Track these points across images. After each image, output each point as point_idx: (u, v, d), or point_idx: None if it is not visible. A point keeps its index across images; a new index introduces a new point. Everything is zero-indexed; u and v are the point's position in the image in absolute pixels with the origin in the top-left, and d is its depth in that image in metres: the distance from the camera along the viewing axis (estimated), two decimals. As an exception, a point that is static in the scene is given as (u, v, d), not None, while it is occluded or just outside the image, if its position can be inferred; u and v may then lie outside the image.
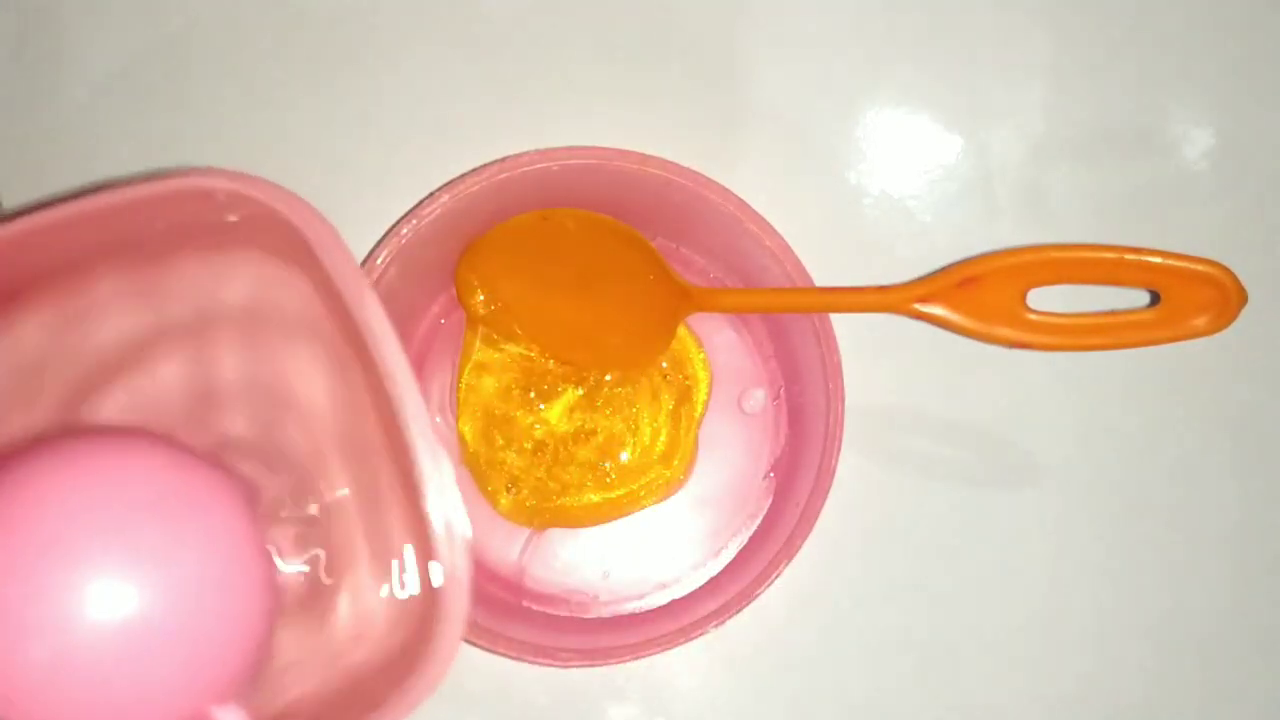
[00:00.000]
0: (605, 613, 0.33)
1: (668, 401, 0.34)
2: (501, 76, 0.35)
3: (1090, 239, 0.35)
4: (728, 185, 0.31)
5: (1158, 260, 0.28)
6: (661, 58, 0.35)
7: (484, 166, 0.30)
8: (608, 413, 0.33)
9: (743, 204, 0.31)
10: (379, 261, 0.30)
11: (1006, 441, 0.35)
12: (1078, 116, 0.35)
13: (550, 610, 0.33)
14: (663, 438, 0.34)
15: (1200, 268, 0.28)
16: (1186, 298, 0.29)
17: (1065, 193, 0.35)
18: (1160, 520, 0.35)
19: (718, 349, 0.34)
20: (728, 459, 0.34)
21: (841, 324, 0.31)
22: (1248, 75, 0.36)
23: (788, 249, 0.31)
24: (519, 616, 0.33)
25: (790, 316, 0.32)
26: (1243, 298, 0.28)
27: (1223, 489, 0.35)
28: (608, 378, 0.33)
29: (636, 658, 0.30)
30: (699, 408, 0.34)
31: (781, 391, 0.34)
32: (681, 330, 0.34)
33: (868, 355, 0.34)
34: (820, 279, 0.31)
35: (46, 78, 0.35)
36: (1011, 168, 0.35)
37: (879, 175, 0.35)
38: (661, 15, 0.36)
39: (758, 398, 0.34)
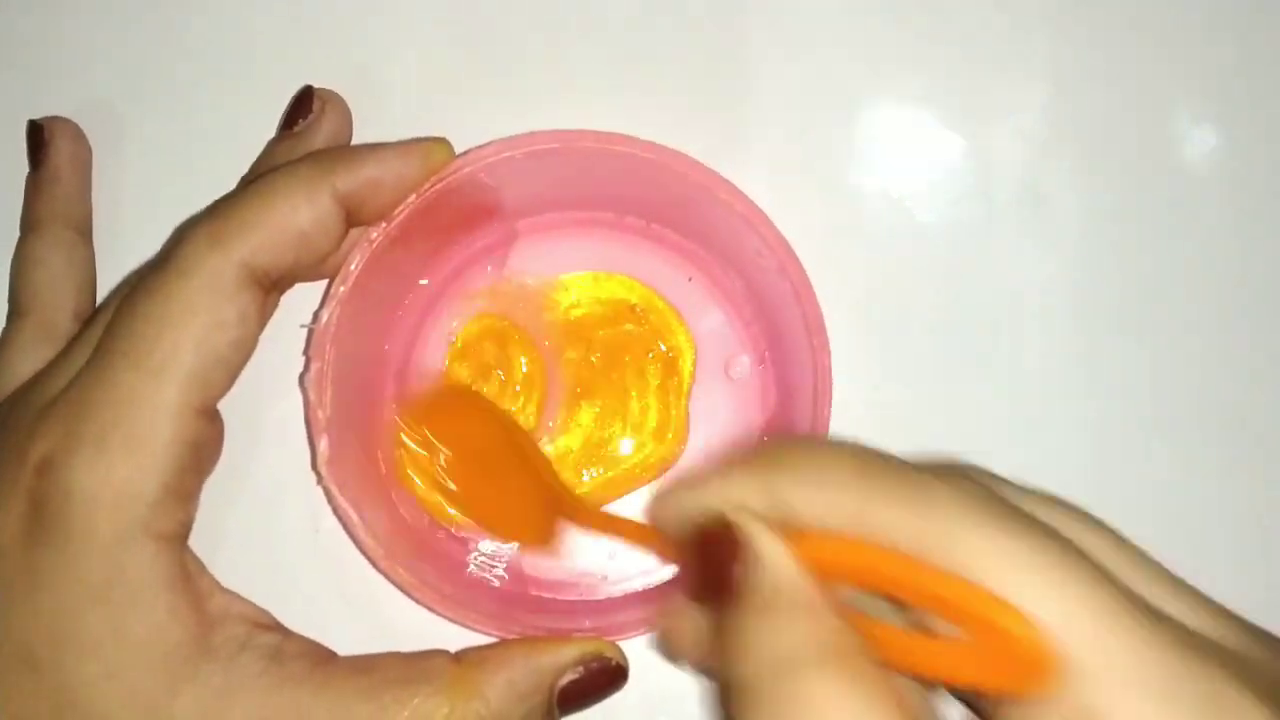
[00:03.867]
0: (615, 591, 0.33)
1: (654, 377, 0.34)
2: (498, 76, 0.36)
3: (1090, 239, 0.35)
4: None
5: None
6: (660, 58, 0.36)
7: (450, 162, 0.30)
8: (594, 402, 0.34)
9: (711, 173, 0.31)
10: (352, 267, 0.30)
11: (1007, 442, 0.35)
12: (1078, 116, 0.36)
13: (561, 596, 0.33)
14: (652, 414, 0.33)
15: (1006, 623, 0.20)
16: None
17: (1065, 193, 0.36)
18: (1159, 520, 0.35)
19: (699, 319, 0.34)
20: (720, 428, 0.34)
21: (841, 324, 0.31)
22: (1248, 75, 0.36)
23: (759, 213, 0.31)
24: (529, 605, 0.32)
25: (765, 281, 0.32)
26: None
27: (1223, 489, 0.35)
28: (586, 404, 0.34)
29: (652, 630, 0.30)
30: (686, 379, 0.34)
31: (766, 354, 0.34)
32: (660, 304, 0.34)
33: (869, 355, 0.34)
34: (820, 279, 0.31)
35: (47, 77, 0.36)
36: (1011, 168, 0.35)
37: (879, 175, 0.36)
38: (660, 16, 0.36)
39: (743, 364, 0.34)
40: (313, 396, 0.30)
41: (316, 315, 0.30)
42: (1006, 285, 0.35)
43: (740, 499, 0.22)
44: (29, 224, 0.33)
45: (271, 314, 0.31)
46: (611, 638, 0.30)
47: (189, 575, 0.28)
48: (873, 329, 0.34)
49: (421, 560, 0.31)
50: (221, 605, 0.29)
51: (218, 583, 0.29)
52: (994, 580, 0.19)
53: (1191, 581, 0.35)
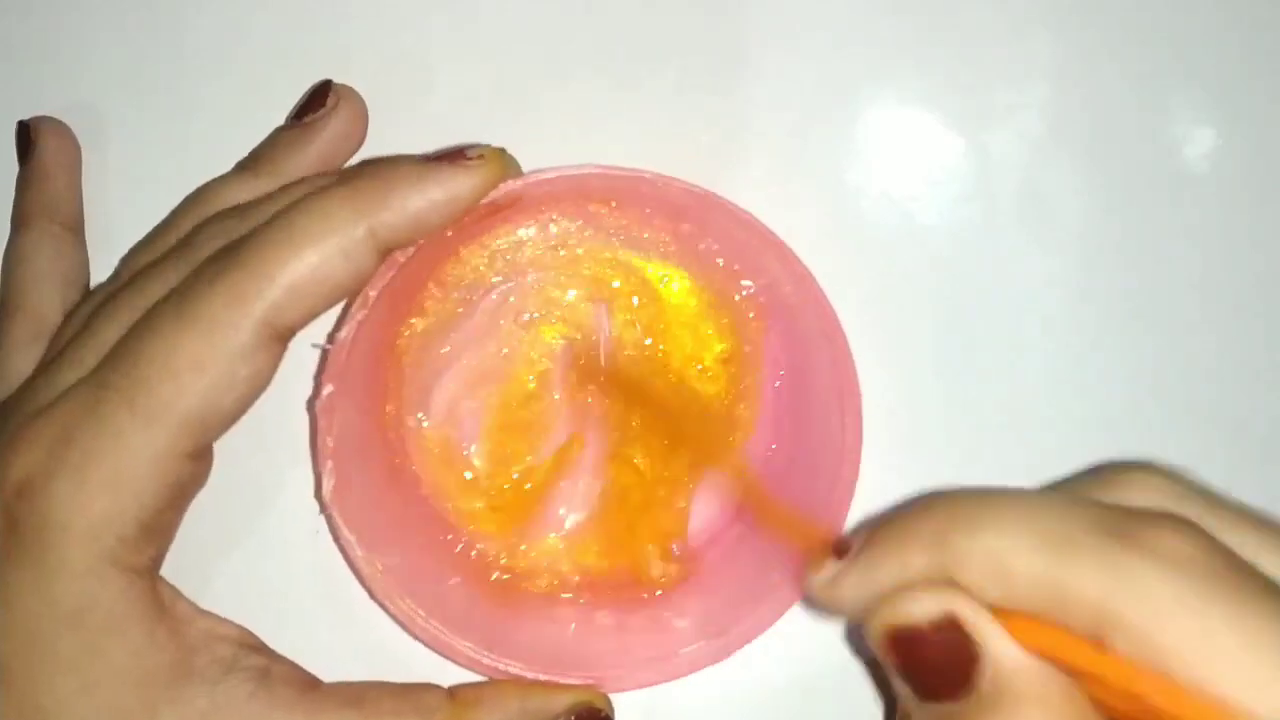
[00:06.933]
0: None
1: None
2: (493, 78, 0.35)
3: (1090, 239, 0.35)
4: (727, 186, 0.31)
5: None
6: (659, 58, 0.35)
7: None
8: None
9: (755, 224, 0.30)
10: (373, 293, 0.28)
11: (1007, 442, 0.35)
12: (1078, 116, 0.35)
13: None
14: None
15: None
16: None
17: (1065, 193, 0.35)
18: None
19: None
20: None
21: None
22: (1249, 75, 0.36)
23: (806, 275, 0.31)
24: (526, 640, 0.32)
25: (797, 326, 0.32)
26: None
27: (1224, 489, 0.35)
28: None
29: (645, 685, 0.30)
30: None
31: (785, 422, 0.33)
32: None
33: (868, 355, 0.34)
34: (820, 279, 0.31)
35: (37, 78, 0.35)
36: (1011, 168, 0.35)
37: (879, 175, 0.35)
38: (659, 16, 0.35)
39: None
40: (321, 422, 0.29)
41: (331, 337, 0.29)
42: (1007, 285, 0.35)
43: (915, 576, 0.21)
44: (17, 222, 0.33)
45: None
46: (604, 689, 0.30)
47: (162, 604, 0.28)
48: (873, 330, 0.34)
49: (424, 592, 0.30)
50: (203, 628, 0.28)
51: (196, 606, 0.29)
52: (1202, 674, 0.18)
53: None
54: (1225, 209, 0.35)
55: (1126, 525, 0.20)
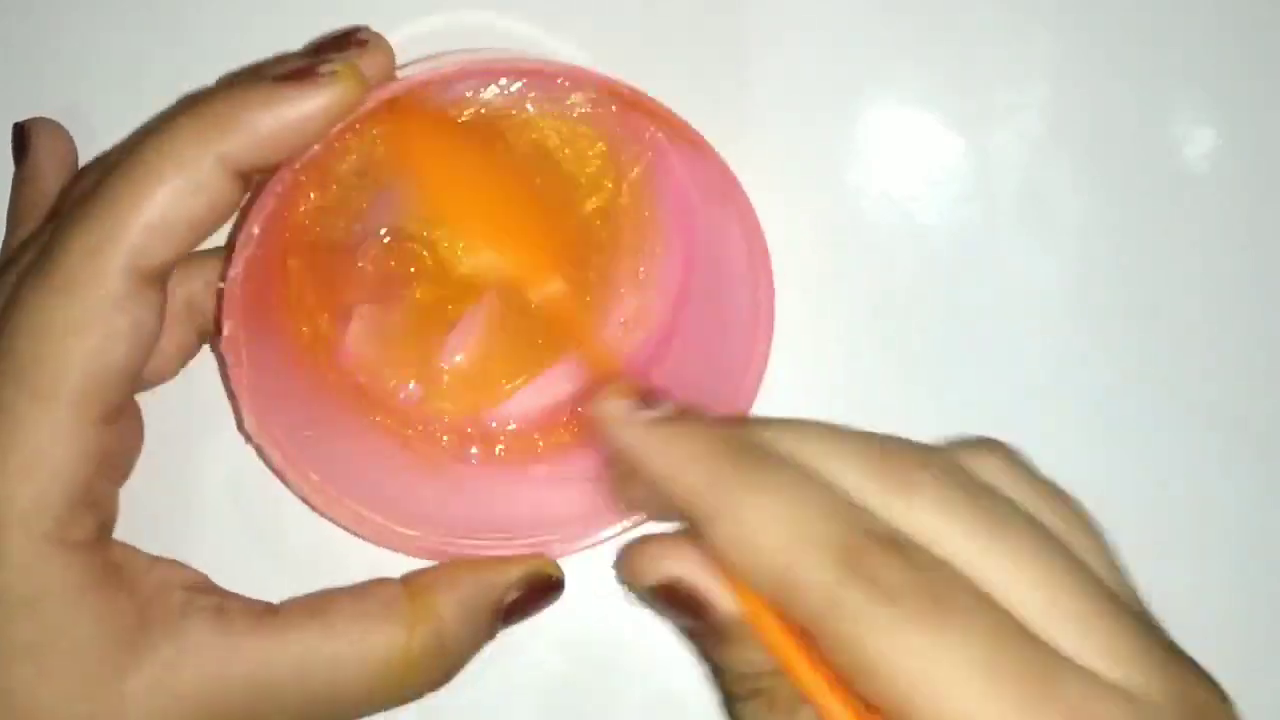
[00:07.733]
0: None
1: None
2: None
3: (1090, 239, 0.35)
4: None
5: None
6: (659, 58, 0.35)
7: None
8: None
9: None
10: (255, 230, 0.27)
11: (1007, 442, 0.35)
12: (1078, 116, 0.35)
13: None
14: None
15: None
16: None
17: (1065, 193, 0.35)
18: (1160, 520, 0.35)
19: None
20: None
21: (841, 326, 0.31)
22: (1249, 75, 0.36)
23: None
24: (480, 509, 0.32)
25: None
26: None
27: (1223, 489, 0.35)
28: None
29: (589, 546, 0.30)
30: None
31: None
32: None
33: (869, 356, 0.34)
34: (821, 280, 0.31)
35: (47, 77, 0.35)
36: (1011, 168, 0.35)
37: (879, 175, 0.35)
38: (659, 16, 0.36)
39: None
40: (230, 359, 0.28)
41: (223, 275, 0.28)
42: (1007, 285, 0.35)
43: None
44: (11, 222, 0.33)
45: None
46: (553, 555, 0.31)
47: (116, 569, 0.27)
48: (873, 330, 0.34)
49: (364, 490, 0.30)
50: (157, 579, 0.28)
51: (149, 557, 0.29)
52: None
53: (1190, 580, 0.35)
54: (1225, 209, 0.36)
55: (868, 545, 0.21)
